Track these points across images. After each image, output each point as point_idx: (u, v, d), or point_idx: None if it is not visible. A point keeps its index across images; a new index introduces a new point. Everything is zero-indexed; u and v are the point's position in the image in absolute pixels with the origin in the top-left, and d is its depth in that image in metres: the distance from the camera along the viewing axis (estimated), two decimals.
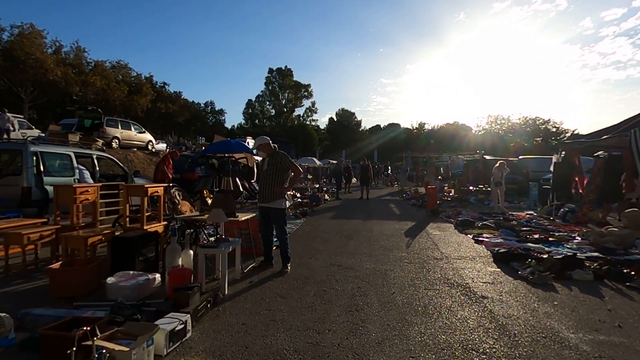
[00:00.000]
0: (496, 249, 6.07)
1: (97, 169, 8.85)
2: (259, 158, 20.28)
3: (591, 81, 77.73)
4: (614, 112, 77.95)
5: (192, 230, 5.77)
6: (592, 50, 79.19)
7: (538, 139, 48.42)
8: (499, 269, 5.15)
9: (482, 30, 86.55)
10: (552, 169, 10.14)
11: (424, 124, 58.82)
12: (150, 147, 19.81)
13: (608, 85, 77.19)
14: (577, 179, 9.77)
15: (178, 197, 7.15)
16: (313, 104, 64.10)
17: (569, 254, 5.40)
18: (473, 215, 10.35)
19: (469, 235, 7.58)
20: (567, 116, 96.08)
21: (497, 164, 11.53)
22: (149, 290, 3.85)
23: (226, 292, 3.99)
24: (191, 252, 4.22)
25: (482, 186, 14.51)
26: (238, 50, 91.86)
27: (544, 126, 50.63)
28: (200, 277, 3.92)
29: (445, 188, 17.84)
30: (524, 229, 8.27)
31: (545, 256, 5.56)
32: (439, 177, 19.76)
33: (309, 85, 62.75)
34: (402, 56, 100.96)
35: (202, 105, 54.97)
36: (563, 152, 9.87)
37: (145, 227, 4.80)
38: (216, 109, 56.27)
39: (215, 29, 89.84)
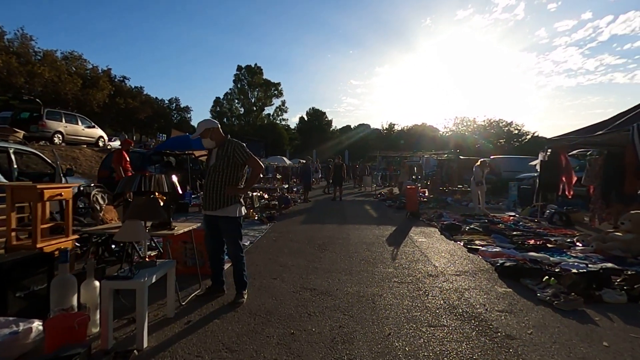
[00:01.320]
0: (497, 260, 5.06)
1: (15, 166, 7.11)
2: None
3: (546, 87, 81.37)
4: (566, 116, 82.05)
5: (118, 247, 4.34)
6: (547, 59, 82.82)
7: (501, 140, 49.60)
8: (510, 289, 4.10)
9: (447, 36, 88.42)
10: (537, 168, 9.41)
11: (394, 124, 58.85)
12: (101, 143, 17.69)
13: (561, 92, 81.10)
14: (564, 179, 9.07)
15: (101, 202, 5.64)
16: (283, 102, 62.45)
17: (592, 268, 4.46)
18: (456, 217, 9.45)
19: (459, 243, 6.57)
20: (526, 119, 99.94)
21: (479, 162, 10.74)
22: (20, 349, 2.44)
23: (145, 345, 2.65)
24: (97, 283, 2.85)
25: (460, 186, 13.77)
26: (205, 47, 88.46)
27: (507, 128, 51.95)
28: (104, 327, 2.55)
29: (419, 188, 17.05)
30: (515, 233, 7.42)
31: (557, 269, 4.63)
32: (412, 177, 18.99)
33: (279, 84, 61.05)
34: (372, 58, 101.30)
35: (167, 101, 51.97)
36: (549, 150, 9.16)
37: (39, 245, 3.34)
38: (182, 106, 53.42)
39: (180, 23, 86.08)
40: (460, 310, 3.46)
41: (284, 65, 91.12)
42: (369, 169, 19.81)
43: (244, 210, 3.64)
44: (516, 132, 51.53)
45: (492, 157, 22.12)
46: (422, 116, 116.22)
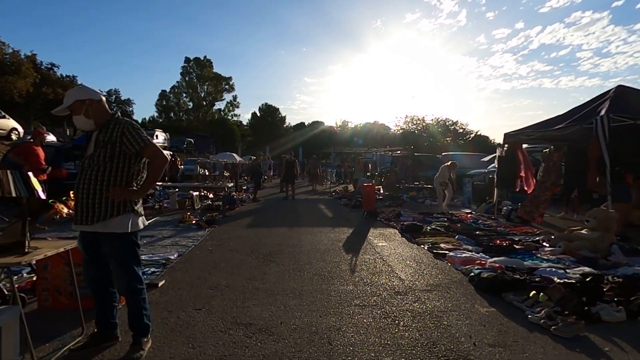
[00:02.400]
0: (471, 269, 4.34)
1: None
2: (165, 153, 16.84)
3: (485, 90, 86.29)
4: (502, 117, 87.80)
5: None
6: (486, 63, 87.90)
7: (448, 138, 51.45)
8: (493, 308, 3.35)
9: (397, 38, 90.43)
10: (495, 164, 9.06)
11: (347, 122, 58.87)
12: (14, 136, 15.11)
13: (498, 94, 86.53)
14: (522, 174, 8.80)
15: None
16: (235, 97, 59.96)
17: (572, 276, 3.84)
18: (415, 216, 8.83)
19: (423, 246, 5.84)
20: (469, 119, 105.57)
21: (449, 163, 10.20)
22: None
23: None
24: None
25: (417, 183, 13.35)
26: (149, 37, 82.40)
27: (453, 127, 54.03)
28: None
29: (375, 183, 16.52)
30: (478, 233, 6.88)
31: (537, 278, 3.99)
32: (367, 174, 18.46)
33: (230, 78, 58.45)
34: (325, 57, 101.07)
35: (105, 93, 47.51)
36: (506, 146, 8.84)
37: None
38: (122, 98, 49.21)
39: (121, 10, 79.41)
40: (443, 348, 2.60)
41: (236, 60, 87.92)
42: (322, 166, 18.97)
43: (142, 223, 2.48)
44: (461, 130, 53.77)
45: (443, 154, 22.33)
46: (375, 114, 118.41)
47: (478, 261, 4.75)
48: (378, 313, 3.22)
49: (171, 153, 16.76)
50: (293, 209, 10.62)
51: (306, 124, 62.98)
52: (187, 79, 57.88)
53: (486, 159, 17.17)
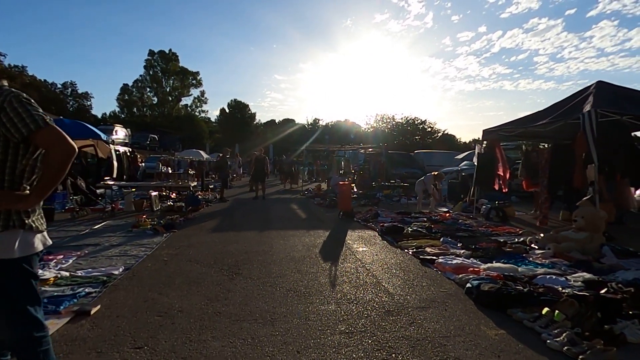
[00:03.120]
0: (466, 279, 3.83)
1: None
2: (122, 148, 15.48)
3: (451, 90, 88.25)
4: (466, 117, 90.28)
5: None
6: (451, 65, 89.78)
7: (417, 137, 52.19)
8: (502, 330, 2.82)
9: (366, 37, 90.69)
10: (475, 161, 8.74)
11: (318, 120, 58.26)
12: None
13: (463, 95, 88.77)
14: (500, 172, 8.53)
15: None
16: (202, 93, 57.66)
17: (573, 283, 3.39)
18: (393, 216, 8.35)
19: (407, 251, 5.31)
20: (436, 118, 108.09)
21: (436, 173, 9.78)
22: None
23: None
24: None
25: (393, 181, 12.96)
26: (108, 27, 77.18)
27: (421, 126, 54.84)
28: None
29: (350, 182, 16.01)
30: (461, 234, 6.47)
31: (540, 289, 3.54)
32: (340, 172, 17.96)
33: (197, 73, 56.15)
34: (295, 55, 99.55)
35: (60, 85, 44.24)
36: (485, 143, 8.54)
37: None
38: (79, 91, 45.95)
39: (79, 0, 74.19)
40: None
41: (203, 56, 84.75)
42: (296, 165, 18.24)
43: (40, 242, 1.70)
44: (429, 129, 54.68)
45: (415, 151, 22.28)
46: (345, 112, 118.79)
47: (471, 269, 4.26)
48: (369, 343, 2.60)
49: (130, 149, 15.42)
50: (263, 209, 9.85)
51: (277, 121, 61.82)
52: (151, 72, 55.06)
53: (460, 156, 17.13)
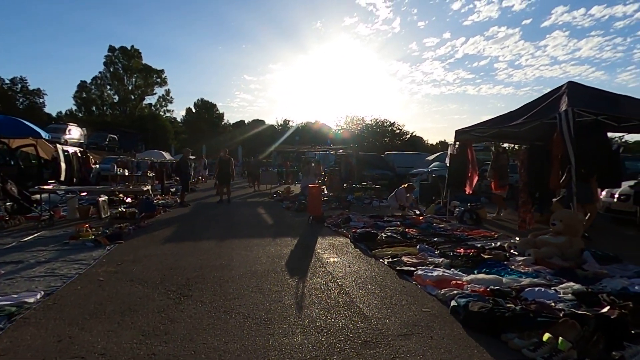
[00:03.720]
0: (450, 294, 3.39)
1: None
2: (72, 149, 14.11)
3: (418, 94, 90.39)
4: (432, 120, 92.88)
5: None
6: (418, 69, 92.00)
7: (386, 138, 52.73)
8: None
9: (336, 40, 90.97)
10: (447, 162, 8.47)
11: (289, 121, 57.55)
12: None
13: (429, 99, 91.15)
14: (470, 174, 8.31)
15: None
16: (168, 92, 55.22)
17: (563, 297, 3.01)
18: (365, 221, 7.89)
19: (382, 260, 4.84)
20: (404, 121, 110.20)
21: (406, 185, 9.41)
22: None
23: None
24: None
25: (365, 183, 12.56)
26: (65, 24, 72.46)
27: (390, 127, 55.48)
28: None
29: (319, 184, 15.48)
30: (436, 240, 6.10)
31: (532, 304, 3.14)
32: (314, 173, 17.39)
33: (162, 71, 53.73)
34: (265, 55, 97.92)
35: (8, 81, 40.77)
36: (457, 143, 8.28)
37: None
38: (30, 88, 42.58)
39: None
40: None
41: (169, 54, 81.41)
42: (263, 166, 17.47)
43: None
44: (398, 131, 55.40)
45: (386, 153, 22.16)
46: (316, 114, 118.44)
47: (454, 282, 3.83)
48: None
49: (81, 150, 14.10)
50: (227, 214, 9.10)
51: (246, 122, 60.41)
52: (111, 69, 52.16)
53: (431, 157, 17.08)
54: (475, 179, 8.54)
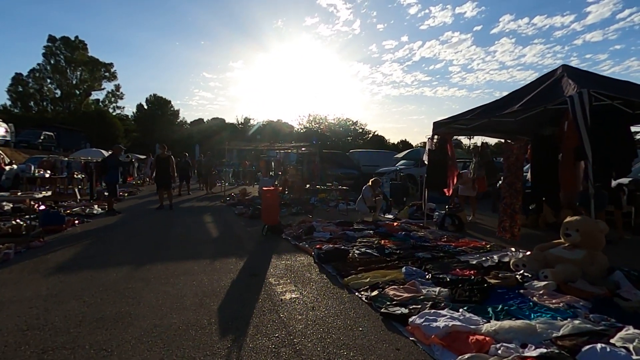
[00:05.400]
0: None
1: None
2: None
3: (378, 95, 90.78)
4: (392, 120, 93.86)
5: None
6: (378, 71, 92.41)
7: (349, 137, 52.03)
8: None
9: (297, 39, 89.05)
10: (425, 158, 7.24)
11: (250, 119, 55.10)
12: None
13: (389, 99, 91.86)
14: (449, 173, 7.16)
15: None
16: (117, 87, 50.73)
17: None
18: (332, 229, 6.47)
19: (359, 295, 3.41)
20: (366, 120, 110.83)
21: (370, 182, 7.94)
22: None
23: None
24: None
25: (330, 184, 11.14)
26: None
27: (353, 127, 54.86)
28: None
29: (278, 187, 13.87)
30: (421, 254, 4.81)
31: None
32: (270, 174, 15.74)
33: (110, 65, 49.25)
34: (225, 53, 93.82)
35: None
36: (436, 137, 7.08)
37: None
38: None
39: None
40: None
41: (120, 48, 75.35)
42: (216, 165, 15.51)
43: None
44: (361, 130, 54.91)
45: (350, 151, 20.96)
46: (278, 113, 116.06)
47: (472, 337, 2.48)
48: None
49: None
50: (162, 225, 7.29)
51: (205, 120, 57.11)
52: (52, 61, 47.01)
53: (400, 155, 16.04)
54: (455, 178, 7.43)
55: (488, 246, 5.43)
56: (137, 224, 7.36)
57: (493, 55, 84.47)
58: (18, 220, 6.49)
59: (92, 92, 49.98)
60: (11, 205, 8.20)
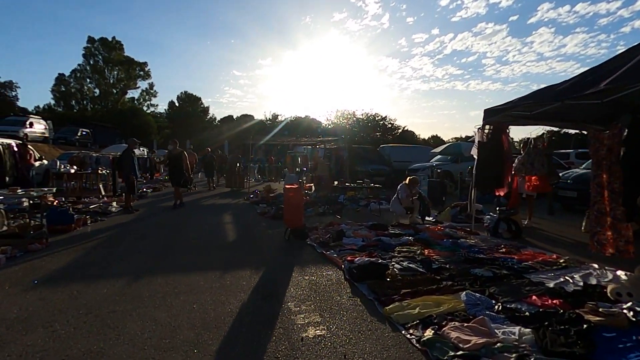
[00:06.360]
0: None
1: None
2: (6, 141, 11.46)
3: (407, 89, 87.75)
4: (422, 116, 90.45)
5: None
6: (407, 65, 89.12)
7: (378, 133, 50.48)
8: None
9: (325, 35, 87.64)
10: (474, 153, 6.12)
11: (277, 115, 54.79)
12: None
13: (418, 94, 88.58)
14: (504, 169, 6.02)
15: None
16: (151, 85, 51.91)
17: None
18: (364, 234, 5.53)
19: (407, 335, 2.49)
20: (394, 116, 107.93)
21: (409, 180, 6.89)
22: None
23: None
24: None
25: (360, 181, 10.18)
26: (40, 14, 67.69)
27: (382, 122, 53.22)
28: None
29: (305, 183, 13.07)
30: (478, 272, 3.78)
31: None
32: (297, 169, 14.98)
33: (145, 64, 50.38)
34: (254, 51, 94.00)
35: None
36: (488, 128, 5.94)
37: None
38: (1, 80, 39.12)
39: None
40: None
41: (154, 48, 76.89)
42: (242, 161, 14.91)
43: None
44: (390, 125, 53.18)
45: (381, 146, 19.80)
46: (305, 109, 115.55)
47: None
48: None
49: (16, 142, 11.42)
50: (174, 226, 6.65)
51: (235, 117, 57.43)
52: (91, 62, 48.75)
53: (437, 150, 14.76)
54: (509, 177, 6.27)
55: (562, 261, 4.31)
56: (149, 223, 6.76)
57: (530, 46, 79.53)
58: (27, 219, 6.04)
59: (128, 91, 51.51)
60: (30, 202, 7.89)
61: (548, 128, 7.02)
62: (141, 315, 2.80)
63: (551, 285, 3.49)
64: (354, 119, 51.97)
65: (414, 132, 56.09)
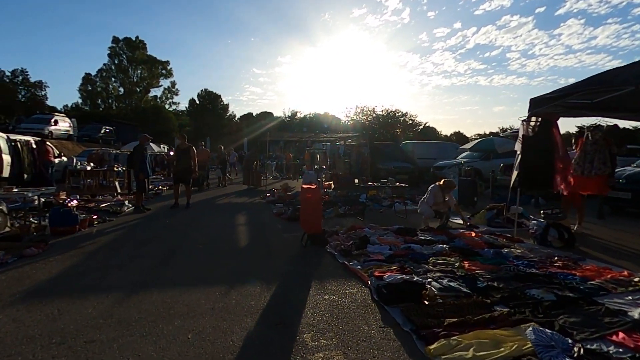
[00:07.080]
0: None
1: None
2: (19, 137, 11.38)
3: (428, 85, 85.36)
4: (444, 112, 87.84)
5: None
6: (428, 60, 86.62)
7: (398, 130, 49.19)
8: None
9: (345, 32, 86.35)
10: (517, 148, 5.32)
11: (297, 112, 54.34)
12: None
13: (439, 90, 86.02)
14: (560, 165, 5.19)
15: None
16: (173, 84, 52.52)
17: None
18: (390, 241, 4.85)
19: None
20: (415, 112, 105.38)
21: (441, 182, 6.08)
22: None
23: None
24: None
25: (385, 180, 9.45)
26: (66, 16, 69.32)
27: (402, 118, 51.85)
28: None
29: (324, 182, 12.44)
30: (536, 294, 3.06)
31: None
32: (315, 167, 14.38)
33: (167, 62, 50.98)
34: (273, 48, 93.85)
35: (8, 73, 38.57)
36: (534, 120, 5.12)
37: None
38: (31, 80, 40.36)
39: None
40: None
41: (175, 47, 77.97)
42: (260, 159, 14.42)
43: None
44: (410, 122, 51.78)
45: (403, 142, 18.92)
46: (325, 105, 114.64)
47: None
48: None
49: (35, 139, 11.33)
50: (183, 227, 6.15)
51: (254, 115, 57.40)
52: (116, 61, 49.71)
53: (467, 146, 13.82)
54: (569, 173, 5.41)
55: (637, 279, 3.51)
56: (157, 225, 6.30)
57: (558, 39, 75.64)
58: (32, 219, 5.70)
59: (151, 89, 52.28)
60: (42, 200, 7.63)
61: (595, 121, 6.12)
62: (123, 347, 2.26)
63: (636, 316, 2.74)
64: (374, 115, 50.90)
65: (435, 129, 54.52)
